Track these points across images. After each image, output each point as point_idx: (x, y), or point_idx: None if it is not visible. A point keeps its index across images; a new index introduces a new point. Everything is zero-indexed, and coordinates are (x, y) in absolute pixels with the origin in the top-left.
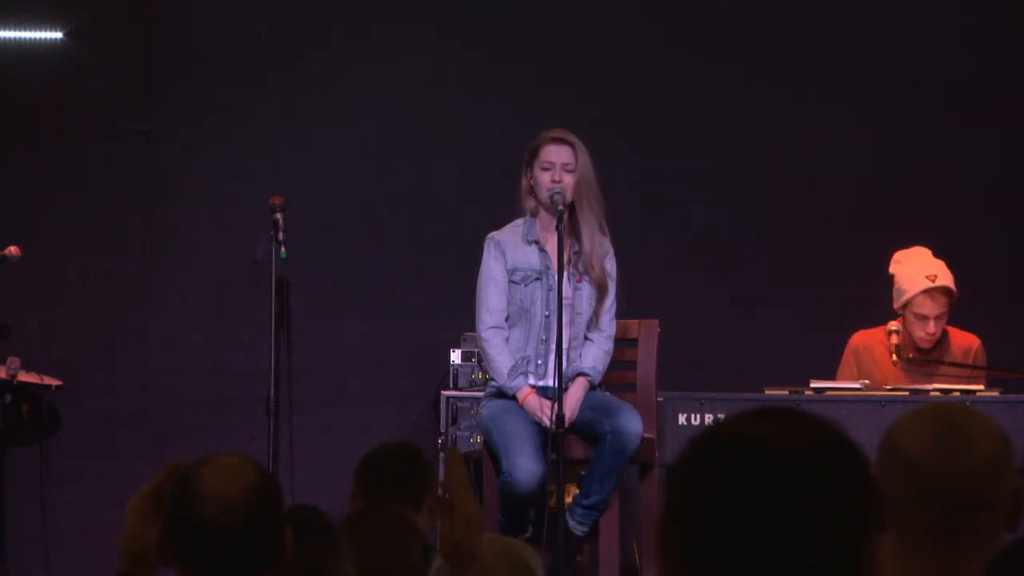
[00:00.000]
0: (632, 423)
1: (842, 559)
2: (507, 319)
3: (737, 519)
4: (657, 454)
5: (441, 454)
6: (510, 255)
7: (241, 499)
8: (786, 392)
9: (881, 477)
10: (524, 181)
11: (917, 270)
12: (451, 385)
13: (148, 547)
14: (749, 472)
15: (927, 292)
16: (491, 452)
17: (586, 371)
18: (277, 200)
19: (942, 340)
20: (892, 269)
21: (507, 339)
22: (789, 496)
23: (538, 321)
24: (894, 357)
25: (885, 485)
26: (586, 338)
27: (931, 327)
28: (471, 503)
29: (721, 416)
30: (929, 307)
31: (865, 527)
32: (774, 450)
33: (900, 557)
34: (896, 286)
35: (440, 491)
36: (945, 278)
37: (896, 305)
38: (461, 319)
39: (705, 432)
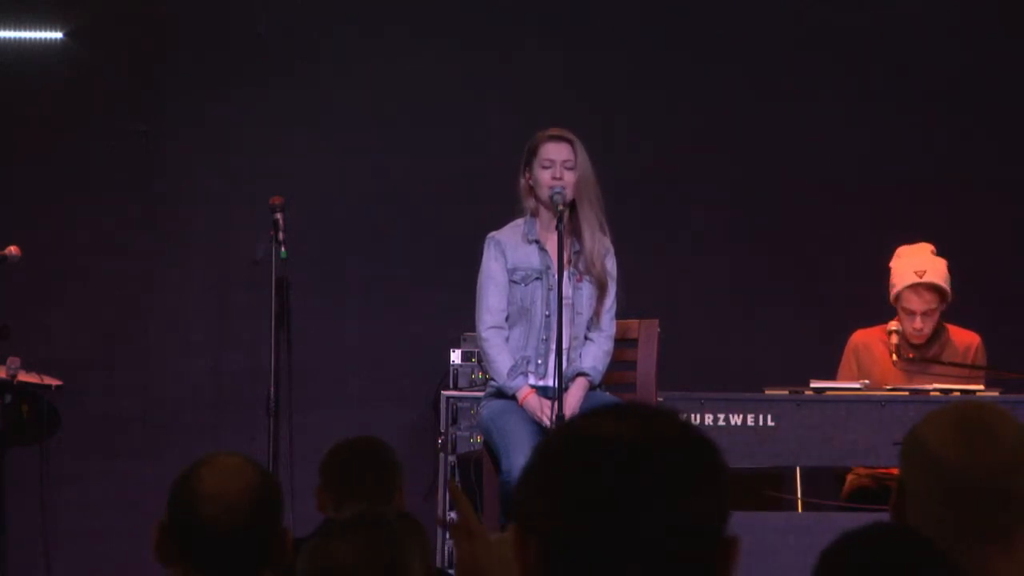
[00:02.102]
0: None
1: (697, 556)
2: (507, 319)
3: (589, 517)
4: None
5: (442, 455)
6: (510, 255)
7: (241, 499)
8: (786, 392)
9: (906, 475)
10: (523, 180)
11: (908, 265)
12: (451, 385)
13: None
14: (595, 472)
15: (912, 287)
16: (491, 452)
17: (586, 371)
18: (277, 200)
19: (942, 338)
20: (891, 263)
21: (507, 339)
22: (640, 494)
23: (538, 321)
24: (894, 357)
25: (907, 480)
26: (586, 338)
27: (917, 323)
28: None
29: (720, 416)
30: (915, 302)
31: (720, 523)
32: (620, 447)
33: None
34: (890, 280)
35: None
36: (935, 275)
37: (890, 299)
38: (461, 319)
39: (557, 430)
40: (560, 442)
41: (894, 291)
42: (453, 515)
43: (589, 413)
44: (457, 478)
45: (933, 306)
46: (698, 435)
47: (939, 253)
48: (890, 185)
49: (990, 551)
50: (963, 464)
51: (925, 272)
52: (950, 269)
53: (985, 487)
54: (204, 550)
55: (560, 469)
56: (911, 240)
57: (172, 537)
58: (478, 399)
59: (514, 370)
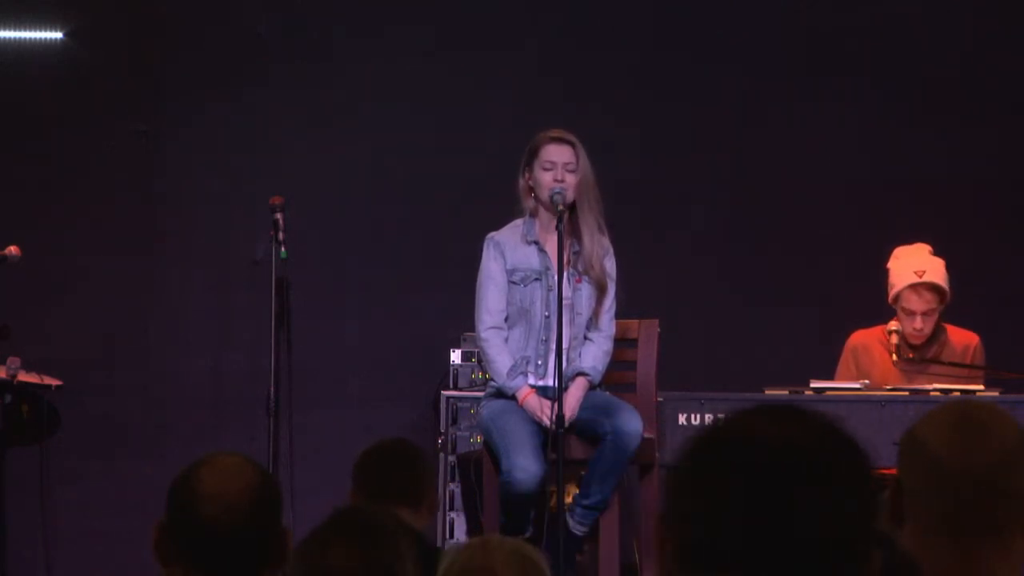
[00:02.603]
0: (632, 423)
1: (846, 557)
2: (507, 319)
3: (739, 518)
4: (657, 454)
5: (442, 455)
6: (510, 255)
7: (241, 499)
8: (786, 392)
9: (903, 474)
10: (523, 181)
11: (908, 266)
12: (451, 385)
13: None
14: (751, 471)
15: (912, 287)
16: (491, 452)
17: (586, 371)
18: (277, 200)
19: (941, 338)
20: (889, 264)
21: (506, 339)
22: (791, 495)
23: (538, 321)
24: (893, 357)
25: (905, 478)
26: (586, 338)
27: (917, 323)
28: None
29: (721, 416)
30: (915, 302)
31: (868, 525)
32: (777, 448)
33: (918, 548)
34: (888, 280)
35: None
36: (934, 275)
37: (889, 299)
38: (461, 319)
39: (707, 430)
40: (713, 442)
41: (893, 291)
42: (452, 515)
43: (743, 414)
44: (457, 478)
45: (933, 306)
46: (849, 439)
47: (938, 253)
48: (890, 185)
49: (987, 549)
50: (960, 461)
51: (924, 272)
52: (948, 268)
53: (982, 484)
54: (204, 550)
55: (711, 471)
56: (911, 240)
57: (172, 537)
58: (478, 399)
59: (514, 370)
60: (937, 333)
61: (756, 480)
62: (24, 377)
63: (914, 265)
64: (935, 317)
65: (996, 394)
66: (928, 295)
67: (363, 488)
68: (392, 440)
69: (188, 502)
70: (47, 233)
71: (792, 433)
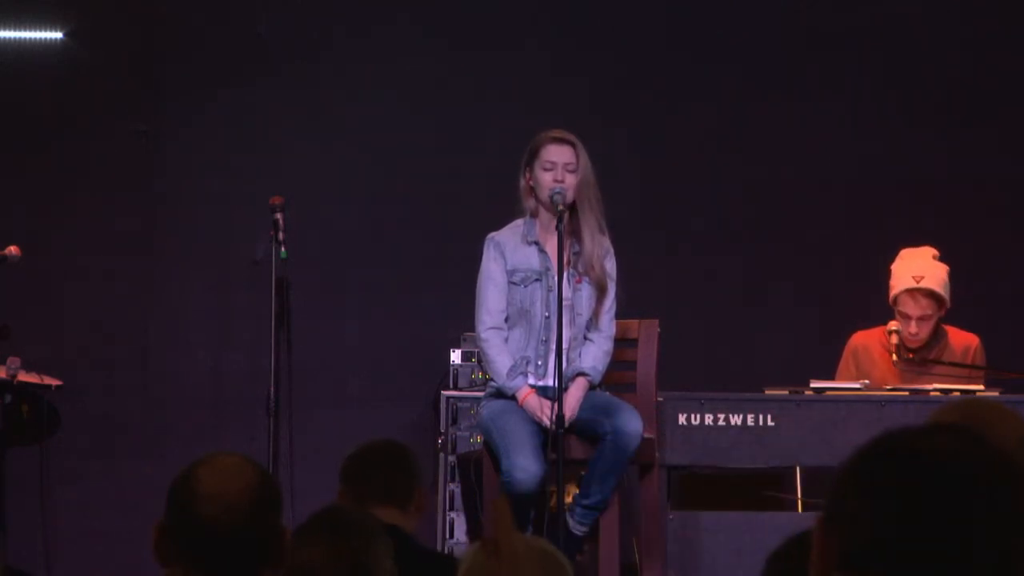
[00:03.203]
0: (632, 423)
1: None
2: (507, 320)
3: (907, 529)
4: (657, 454)
5: (442, 455)
6: (510, 256)
7: (241, 499)
8: (786, 392)
9: None
10: (523, 181)
11: (908, 269)
12: (451, 385)
13: None
14: (926, 483)
15: (909, 292)
16: (491, 452)
17: (586, 371)
18: (277, 200)
19: (941, 339)
20: (893, 265)
21: (506, 339)
22: (965, 514)
23: (538, 322)
24: (893, 357)
25: None
26: (586, 338)
27: (912, 327)
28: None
29: (720, 416)
30: (911, 307)
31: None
32: (956, 465)
33: None
34: (889, 282)
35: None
36: (932, 281)
37: (889, 300)
38: (461, 319)
39: (884, 437)
40: (891, 452)
41: (892, 294)
42: (452, 515)
43: (930, 428)
44: (457, 478)
45: (929, 312)
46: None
47: (939, 253)
48: (890, 185)
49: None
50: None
51: (923, 278)
52: (951, 275)
53: None
54: (204, 550)
55: (890, 476)
56: (911, 241)
57: (172, 537)
58: (478, 399)
59: (513, 370)
60: (937, 334)
61: (929, 493)
62: (24, 377)
63: (914, 270)
64: (931, 323)
65: (996, 394)
66: (924, 301)
67: (350, 489)
68: (379, 441)
69: (188, 502)
70: (47, 233)
71: (972, 452)
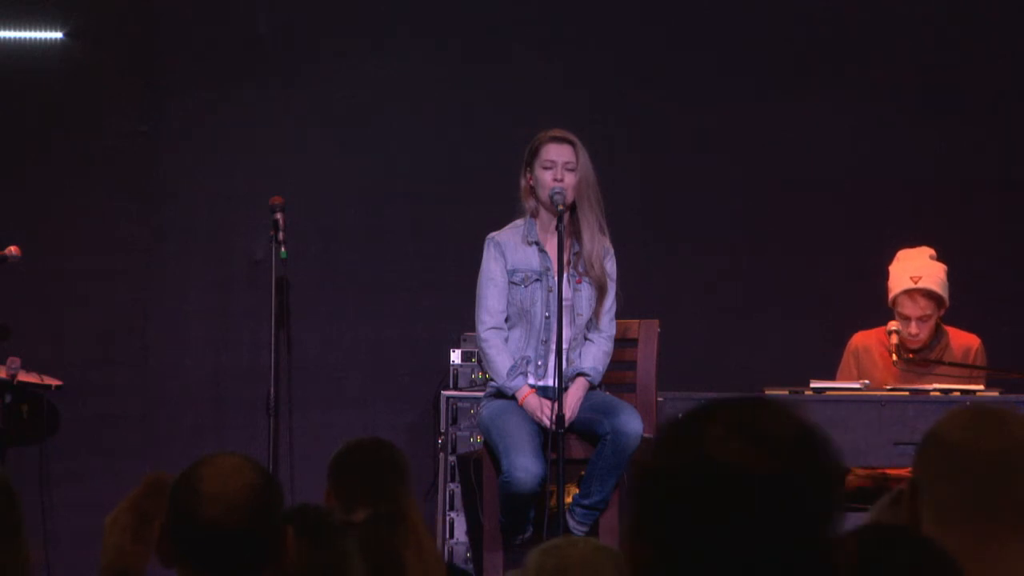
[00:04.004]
0: (632, 423)
1: (810, 561)
2: (507, 320)
3: (699, 532)
4: None
5: (442, 455)
6: (510, 256)
7: (242, 499)
8: (786, 392)
9: (917, 468)
10: (524, 181)
11: (905, 270)
12: (451, 385)
13: (130, 561)
14: (712, 487)
15: (907, 293)
16: (491, 452)
17: (586, 371)
18: (277, 200)
19: (941, 340)
20: (890, 266)
21: (506, 339)
22: (749, 514)
23: (538, 322)
24: (894, 357)
25: (921, 474)
26: (586, 338)
27: (912, 328)
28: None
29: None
30: (910, 308)
31: (831, 525)
32: (735, 466)
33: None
34: (888, 283)
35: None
36: (930, 281)
37: (888, 302)
38: (461, 319)
39: (664, 446)
40: (675, 455)
41: (891, 295)
42: (452, 515)
43: (712, 414)
44: (457, 478)
45: (928, 312)
46: (817, 434)
47: (939, 254)
48: (890, 185)
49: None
50: (977, 444)
51: (921, 278)
52: (949, 274)
53: (998, 464)
54: (205, 550)
55: (679, 478)
56: (911, 241)
57: (172, 537)
58: (478, 399)
59: (513, 370)
60: (938, 335)
61: (716, 494)
62: (24, 377)
63: (911, 270)
64: (931, 323)
65: (996, 394)
66: (923, 301)
67: (338, 489)
68: (365, 439)
69: (188, 502)
70: (47, 233)
71: (750, 450)
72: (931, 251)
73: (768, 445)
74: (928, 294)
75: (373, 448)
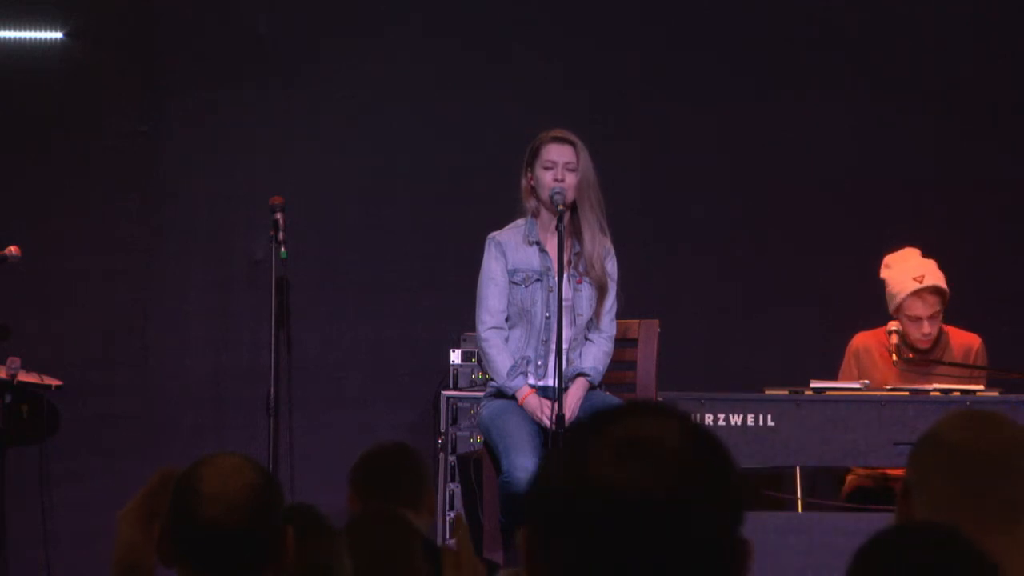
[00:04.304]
0: None
1: (709, 559)
2: (507, 320)
3: (598, 560)
4: None
5: (442, 455)
6: (511, 256)
7: (242, 499)
8: (786, 392)
9: (911, 469)
10: (524, 181)
11: (905, 272)
12: (451, 385)
13: (142, 556)
14: (607, 516)
15: (916, 294)
16: (491, 452)
17: (586, 371)
18: (277, 200)
19: (942, 340)
20: (883, 274)
21: (507, 339)
22: (646, 514)
23: (539, 322)
24: (894, 357)
25: (915, 474)
26: (586, 339)
27: (925, 327)
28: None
29: (720, 416)
30: (920, 308)
31: (731, 524)
32: (627, 494)
33: None
34: (888, 291)
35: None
36: (933, 277)
37: (890, 310)
38: (461, 319)
39: (552, 460)
40: (563, 487)
41: (895, 301)
42: (452, 515)
43: (596, 446)
44: (457, 478)
45: (937, 308)
46: (705, 438)
47: (939, 254)
48: (890, 185)
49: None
50: (973, 443)
51: (924, 276)
52: (949, 274)
53: (994, 463)
54: (205, 550)
55: (565, 517)
56: (912, 241)
57: (173, 538)
58: (478, 399)
59: (513, 370)
60: (938, 336)
61: (605, 532)
62: (24, 377)
63: (912, 271)
64: (940, 319)
65: (996, 394)
66: (932, 299)
67: (362, 492)
68: (390, 443)
69: (189, 502)
70: (47, 233)
71: (638, 469)
72: (917, 250)
73: (656, 463)
74: (935, 290)
75: (395, 451)
